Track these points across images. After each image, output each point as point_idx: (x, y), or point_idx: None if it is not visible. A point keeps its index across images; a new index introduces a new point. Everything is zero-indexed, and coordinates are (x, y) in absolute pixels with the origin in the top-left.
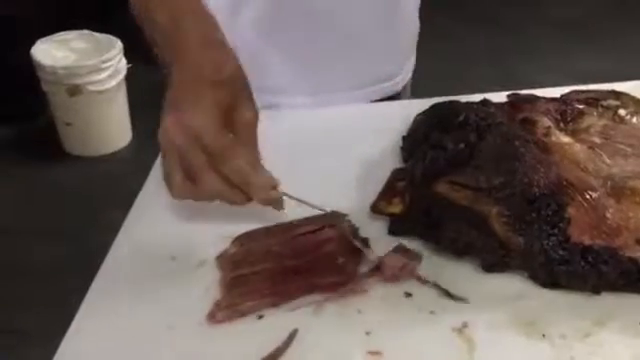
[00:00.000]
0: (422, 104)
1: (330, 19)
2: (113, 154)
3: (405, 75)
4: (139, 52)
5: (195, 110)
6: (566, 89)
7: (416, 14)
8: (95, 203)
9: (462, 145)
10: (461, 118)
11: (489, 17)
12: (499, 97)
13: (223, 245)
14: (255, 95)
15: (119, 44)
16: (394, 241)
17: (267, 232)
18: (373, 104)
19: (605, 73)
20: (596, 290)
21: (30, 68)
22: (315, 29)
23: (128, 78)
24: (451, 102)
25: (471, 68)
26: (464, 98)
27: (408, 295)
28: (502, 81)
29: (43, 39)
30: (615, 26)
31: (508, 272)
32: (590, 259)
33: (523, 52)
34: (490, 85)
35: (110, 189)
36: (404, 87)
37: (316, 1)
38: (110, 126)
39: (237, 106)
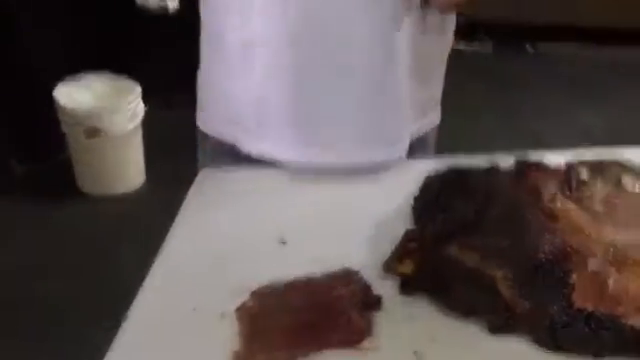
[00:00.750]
0: (432, 164)
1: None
2: (127, 195)
3: (405, 144)
4: (155, 95)
5: None
6: (572, 150)
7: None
8: (109, 242)
9: (471, 210)
10: (470, 184)
11: (494, 72)
12: (506, 158)
13: (243, 297)
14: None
15: (138, 88)
16: (405, 300)
17: (284, 287)
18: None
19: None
20: (598, 355)
21: (49, 109)
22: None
23: (143, 120)
24: (460, 170)
25: (478, 123)
26: (472, 157)
27: (417, 354)
28: (509, 135)
29: (64, 81)
30: (620, 84)
31: (513, 334)
32: (592, 325)
33: (530, 107)
34: (497, 140)
35: (123, 229)
36: (424, 145)
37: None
38: (125, 167)
39: None
